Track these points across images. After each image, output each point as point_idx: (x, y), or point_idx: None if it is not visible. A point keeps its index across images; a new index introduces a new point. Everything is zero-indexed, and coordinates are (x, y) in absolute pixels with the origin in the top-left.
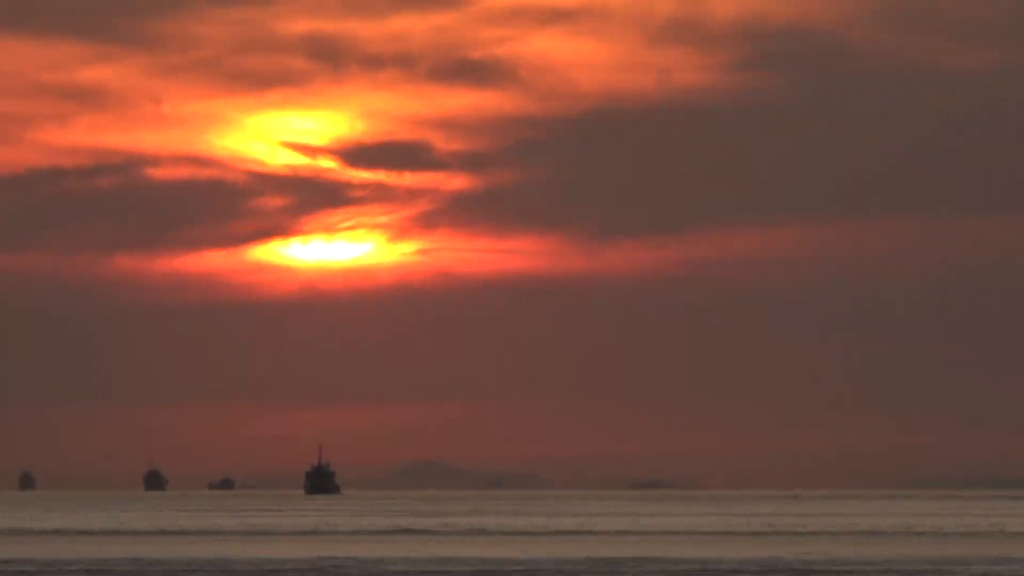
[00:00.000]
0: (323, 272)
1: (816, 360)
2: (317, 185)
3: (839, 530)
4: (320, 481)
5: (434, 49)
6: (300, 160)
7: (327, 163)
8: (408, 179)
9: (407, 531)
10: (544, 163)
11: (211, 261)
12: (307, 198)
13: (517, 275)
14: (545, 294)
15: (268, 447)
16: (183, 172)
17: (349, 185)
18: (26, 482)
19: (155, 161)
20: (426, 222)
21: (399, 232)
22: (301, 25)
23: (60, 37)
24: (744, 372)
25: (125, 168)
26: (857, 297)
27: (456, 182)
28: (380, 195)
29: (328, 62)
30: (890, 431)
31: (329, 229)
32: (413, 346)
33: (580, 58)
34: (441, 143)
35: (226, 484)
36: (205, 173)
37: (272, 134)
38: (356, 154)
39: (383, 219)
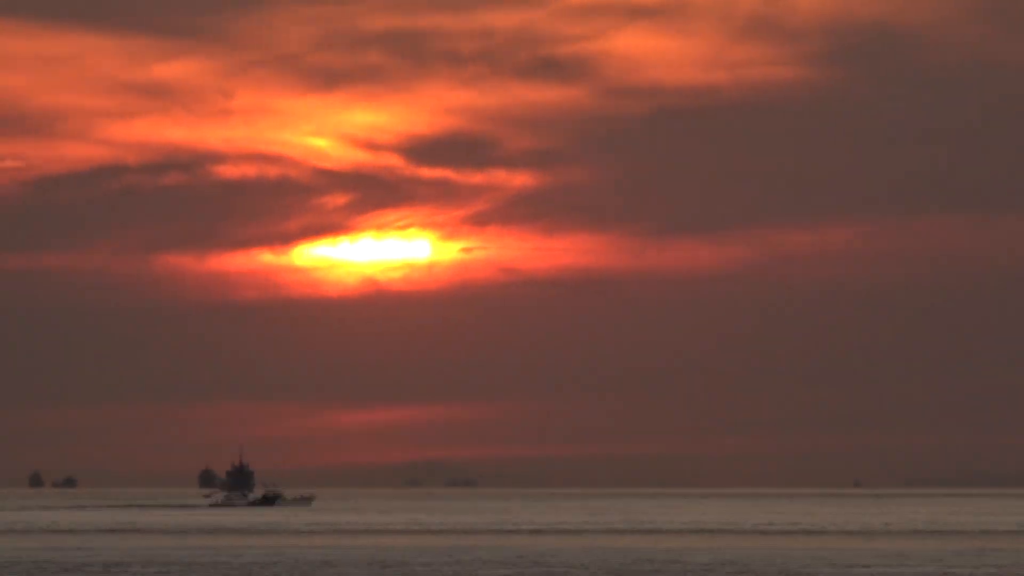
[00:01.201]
0: (383, 269)
1: (874, 359)
2: (382, 182)
3: None
4: (240, 480)
5: (516, 46)
6: (367, 157)
7: (393, 160)
8: (473, 176)
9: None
10: (612, 160)
11: (267, 259)
12: (371, 195)
13: (579, 272)
14: (605, 291)
15: (312, 445)
16: (249, 170)
17: (413, 182)
18: (35, 481)
19: (222, 158)
20: (488, 220)
21: (460, 230)
22: (381, 21)
23: (136, 33)
24: (808, 370)
25: (191, 165)
26: (918, 295)
27: (521, 179)
28: (444, 192)
29: (406, 58)
30: (964, 431)
31: (390, 226)
32: (473, 343)
33: (660, 55)
34: (511, 140)
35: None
36: (271, 171)
37: (342, 131)
38: (423, 151)
39: (445, 216)
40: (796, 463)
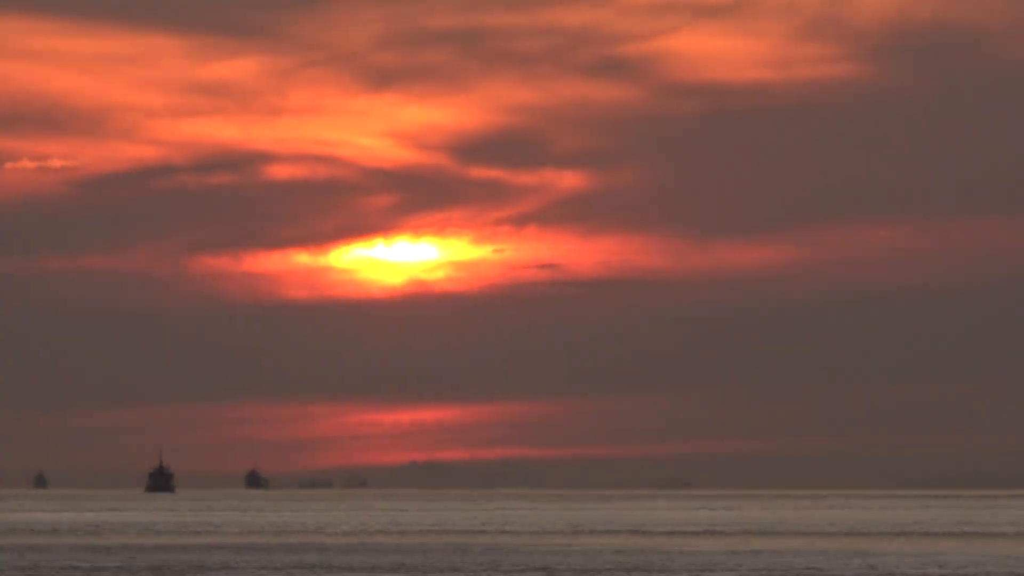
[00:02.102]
0: (428, 269)
1: (934, 359)
2: (431, 182)
3: None
4: (160, 481)
5: (580, 44)
6: (417, 157)
7: (444, 160)
8: (523, 177)
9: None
10: (663, 161)
11: (314, 259)
12: (419, 195)
13: (622, 274)
14: (648, 293)
15: (347, 444)
16: (299, 170)
17: (462, 182)
18: (39, 482)
19: (273, 158)
20: (533, 220)
21: (505, 230)
22: (446, 19)
23: (191, 32)
24: (861, 369)
25: (241, 165)
26: (981, 294)
27: (571, 180)
28: (492, 192)
29: (466, 57)
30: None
31: (437, 226)
32: (520, 343)
33: (722, 55)
34: (564, 140)
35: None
36: (321, 171)
37: (394, 130)
38: (475, 150)
39: (492, 216)
40: (839, 462)
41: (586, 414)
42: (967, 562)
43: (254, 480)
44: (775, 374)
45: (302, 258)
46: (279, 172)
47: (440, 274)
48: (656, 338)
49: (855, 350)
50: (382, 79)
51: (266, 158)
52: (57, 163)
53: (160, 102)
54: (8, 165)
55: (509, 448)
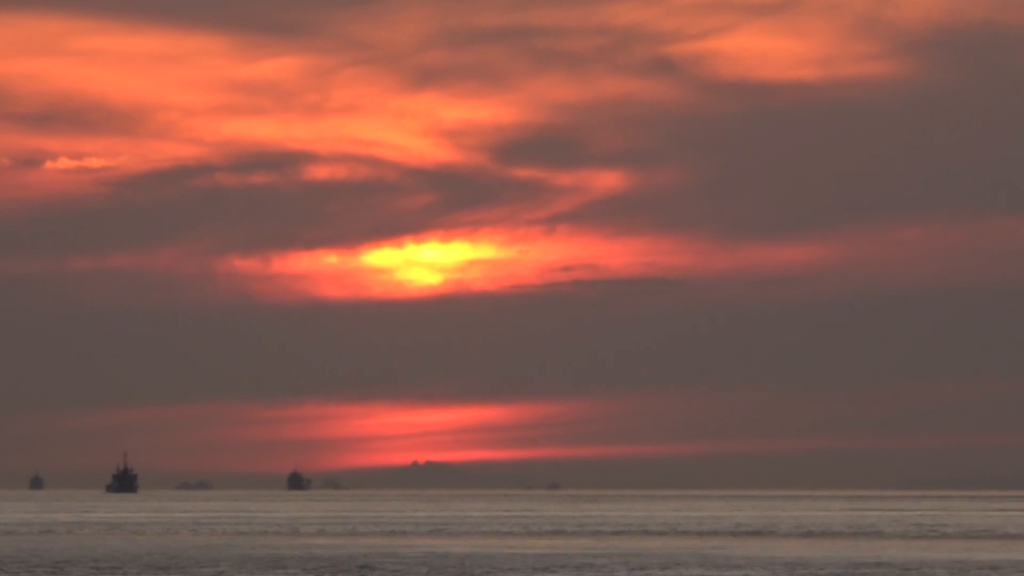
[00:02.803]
0: (465, 267)
1: (985, 359)
2: (470, 181)
3: None
4: (124, 482)
5: (629, 43)
6: (457, 156)
7: (484, 159)
8: (562, 176)
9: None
10: (704, 160)
11: (351, 258)
12: (457, 194)
13: (662, 272)
14: (688, 291)
15: (377, 444)
16: (338, 169)
17: (502, 181)
18: (36, 483)
19: (312, 158)
20: (570, 219)
21: (542, 229)
22: (497, 18)
23: (235, 30)
24: (903, 369)
25: (281, 165)
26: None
27: (610, 179)
28: (530, 191)
29: (514, 56)
30: None
31: (474, 225)
32: (554, 343)
33: (770, 54)
34: (606, 139)
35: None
36: (361, 170)
37: (436, 129)
38: (514, 150)
39: (530, 215)
40: (889, 461)
41: (644, 409)
42: None
43: (296, 481)
44: (827, 370)
45: (335, 259)
46: (318, 172)
47: (476, 273)
48: (693, 336)
49: (895, 347)
50: (424, 78)
51: (306, 158)
52: (96, 162)
53: (200, 101)
54: (48, 164)
55: (547, 447)
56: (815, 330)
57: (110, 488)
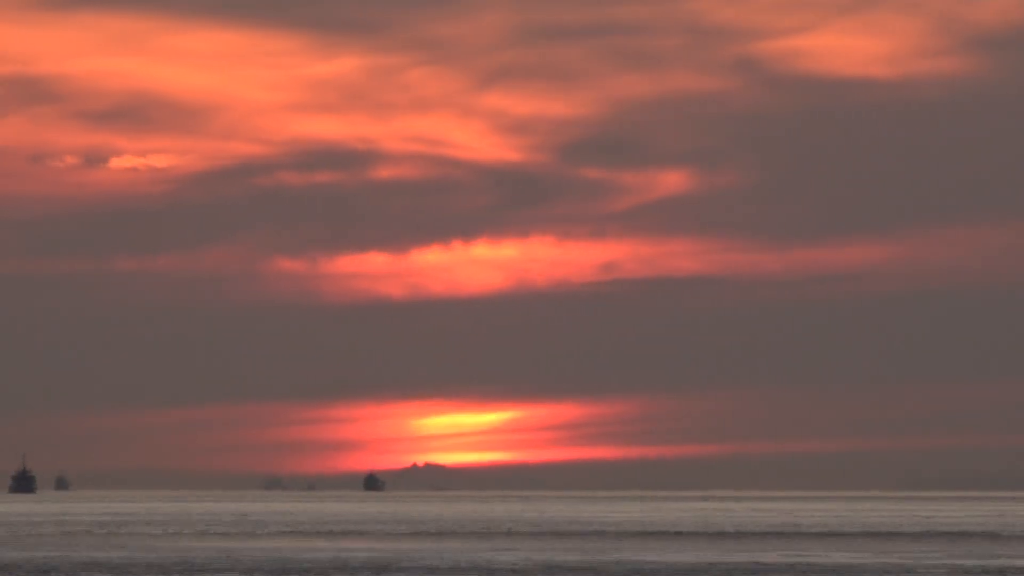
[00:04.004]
0: (528, 266)
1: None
2: (534, 180)
3: None
4: (23, 483)
5: (709, 42)
6: (523, 155)
7: (549, 158)
8: (625, 176)
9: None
10: (775, 158)
11: (413, 257)
12: (522, 193)
13: (726, 271)
14: (752, 291)
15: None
16: (404, 170)
17: (566, 180)
18: (60, 484)
19: (377, 157)
20: (635, 218)
21: (605, 228)
22: (569, 16)
23: (303, 27)
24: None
25: (345, 163)
26: None
27: (673, 179)
28: (595, 191)
29: (593, 55)
30: None
31: (537, 224)
32: (620, 342)
33: (847, 52)
34: (674, 138)
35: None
36: (427, 170)
37: (502, 128)
38: (580, 149)
39: (593, 214)
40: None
41: (678, 411)
42: None
43: (372, 483)
44: (879, 372)
45: (397, 257)
46: (384, 171)
47: (538, 271)
48: (763, 335)
49: (967, 346)
50: (493, 76)
51: (371, 156)
52: (160, 160)
53: (269, 99)
54: (113, 162)
55: (597, 447)
56: (890, 326)
57: (12, 489)
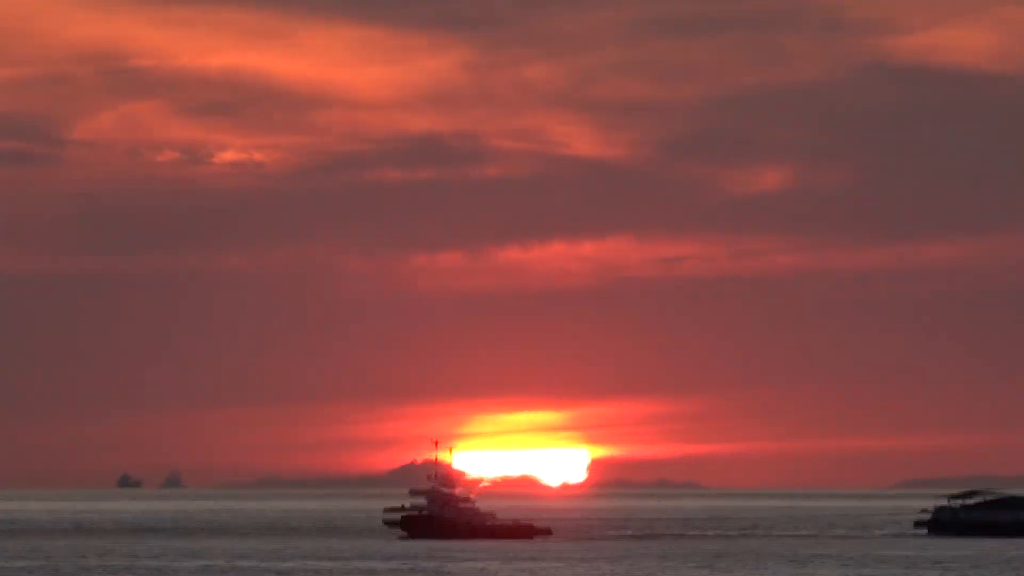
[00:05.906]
0: (626, 263)
1: None
2: (634, 178)
3: None
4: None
5: (827, 37)
6: (624, 152)
7: (651, 155)
8: (725, 172)
9: None
10: (883, 155)
11: (512, 253)
12: (620, 191)
13: (821, 267)
14: (843, 286)
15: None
16: (505, 167)
17: (665, 178)
18: (172, 482)
19: (478, 155)
20: (728, 215)
21: (703, 225)
22: (686, 7)
23: (408, 23)
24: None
25: (447, 160)
26: None
27: (777, 176)
28: (694, 188)
29: (699, 50)
30: None
31: (636, 222)
32: (719, 336)
33: (969, 48)
34: (779, 135)
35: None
36: (528, 167)
37: (601, 125)
38: (682, 145)
39: (696, 211)
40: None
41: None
42: None
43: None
44: (945, 368)
45: (498, 252)
46: (486, 168)
47: (638, 269)
48: (856, 332)
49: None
50: (596, 74)
51: (474, 153)
52: (262, 155)
53: (370, 95)
54: (217, 157)
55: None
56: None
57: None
